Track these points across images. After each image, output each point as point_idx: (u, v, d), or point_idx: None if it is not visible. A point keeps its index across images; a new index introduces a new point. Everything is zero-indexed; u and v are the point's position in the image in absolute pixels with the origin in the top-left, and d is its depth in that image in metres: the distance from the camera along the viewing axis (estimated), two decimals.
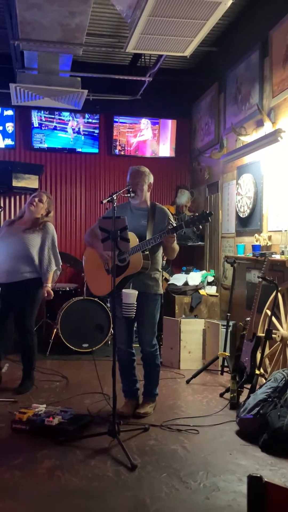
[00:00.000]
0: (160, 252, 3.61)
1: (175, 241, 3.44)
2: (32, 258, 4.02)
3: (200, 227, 3.24)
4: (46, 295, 4.08)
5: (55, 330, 5.34)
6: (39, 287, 4.09)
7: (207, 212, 3.19)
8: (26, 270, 4.02)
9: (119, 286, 3.39)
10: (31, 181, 6.41)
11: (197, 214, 3.26)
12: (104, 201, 3.12)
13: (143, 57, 6.08)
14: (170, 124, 6.88)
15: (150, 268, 3.48)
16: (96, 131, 6.74)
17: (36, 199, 4.12)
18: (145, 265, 3.40)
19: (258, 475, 0.98)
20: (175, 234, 3.30)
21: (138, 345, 3.69)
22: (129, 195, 3.46)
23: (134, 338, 3.72)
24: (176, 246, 3.51)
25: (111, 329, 5.29)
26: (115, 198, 3.11)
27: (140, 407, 3.62)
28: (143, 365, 3.68)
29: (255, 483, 0.98)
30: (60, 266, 4.25)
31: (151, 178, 3.60)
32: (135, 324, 3.66)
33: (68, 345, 5.25)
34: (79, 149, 6.75)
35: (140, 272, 3.42)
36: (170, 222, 3.50)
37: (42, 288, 4.09)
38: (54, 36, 4.27)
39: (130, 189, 3.45)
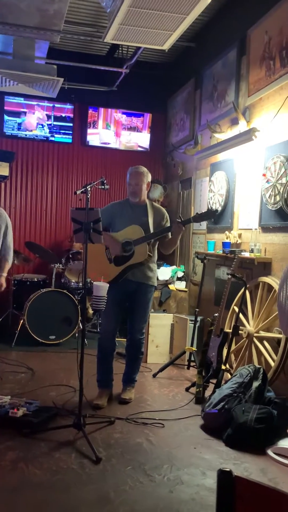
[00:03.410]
0: (156, 246, 3.80)
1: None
2: None
3: (206, 222, 3.46)
4: None
5: (21, 321, 5.25)
6: None
7: (214, 209, 3.56)
8: None
9: (120, 275, 3.59)
10: (1, 168, 6.28)
11: (203, 210, 3.62)
12: (78, 192, 3.11)
13: (120, 48, 6.03)
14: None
15: (150, 260, 3.68)
16: (70, 120, 6.66)
17: None
18: (148, 257, 3.61)
19: (228, 470, 0.99)
20: (183, 226, 3.57)
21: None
22: (102, 187, 3.47)
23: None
24: (178, 241, 3.75)
25: (79, 322, 5.25)
26: (89, 189, 3.12)
27: (124, 393, 3.75)
28: (127, 353, 3.81)
29: (225, 477, 0.98)
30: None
31: (149, 177, 3.75)
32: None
33: (35, 336, 5.17)
34: (52, 138, 6.65)
35: (142, 263, 3.60)
36: (167, 219, 3.77)
37: None
38: (32, 21, 4.18)
39: (105, 181, 3.46)
